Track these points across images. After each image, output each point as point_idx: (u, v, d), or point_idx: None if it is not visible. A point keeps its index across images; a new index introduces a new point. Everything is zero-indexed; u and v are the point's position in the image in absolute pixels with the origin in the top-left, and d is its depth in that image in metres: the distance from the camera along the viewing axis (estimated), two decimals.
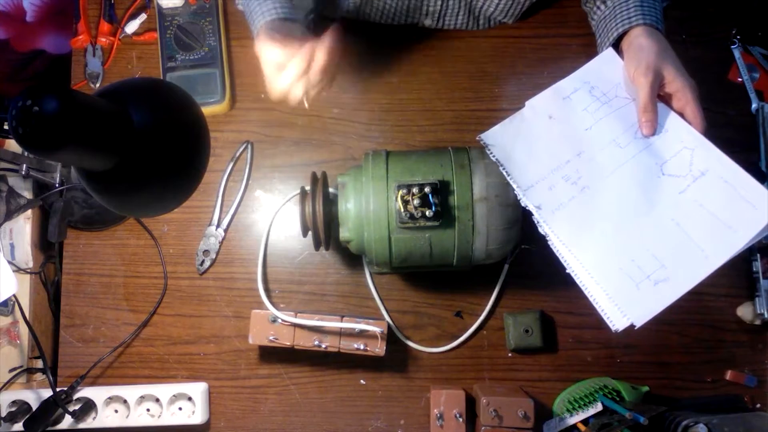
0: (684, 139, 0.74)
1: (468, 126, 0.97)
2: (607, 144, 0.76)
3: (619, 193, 0.74)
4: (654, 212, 0.72)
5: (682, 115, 0.76)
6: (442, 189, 0.75)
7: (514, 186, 0.75)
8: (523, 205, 0.75)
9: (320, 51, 0.72)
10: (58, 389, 0.86)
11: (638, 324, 0.68)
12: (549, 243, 0.73)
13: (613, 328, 0.68)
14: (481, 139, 0.79)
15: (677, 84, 0.75)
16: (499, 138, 0.78)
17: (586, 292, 0.71)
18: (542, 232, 0.73)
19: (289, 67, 0.73)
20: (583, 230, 0.73)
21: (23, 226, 0.96)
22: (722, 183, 0.72)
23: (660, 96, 0.76)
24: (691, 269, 0.69)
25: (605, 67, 0.80)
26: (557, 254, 0.73)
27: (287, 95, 0.75)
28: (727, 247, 0.69)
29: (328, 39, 0.73)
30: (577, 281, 0.71)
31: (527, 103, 0.80)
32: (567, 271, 0.72)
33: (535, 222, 0.74)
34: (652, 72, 0.74)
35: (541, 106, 0.79)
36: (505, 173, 0.75)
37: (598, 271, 0.71)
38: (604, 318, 0.69)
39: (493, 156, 0.77)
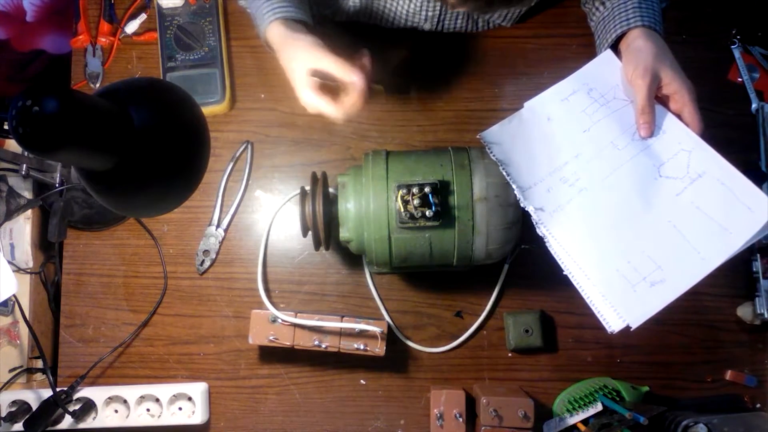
0: (681, 141, 0.74)
1: (468, 126, 0.97)
2: (605, 146, 0.76)
3: (616, 195, 0.74)
4: (651, 214, 0.72)
5: (679, 116, 0.76)
6: (442, 189, 0.75)
7: (514, 187, 0.75)
8: (522, 206, 0.75)
9: (354, 97, 0.75)
10: (58, 389, 0.86)
11: (634, 325, 0.68)
12: (546, 244, 0.73)
13: (608, 330, 0.69)
14: (482, 138, 0.79)
15: (675, 86, 0.75)
16: (499, 137, 0.78)
17: (582, 294, 0.71)
18: (540, 234, 0.73)
19: (321, 103, 0.76)
20: (580, 232, 0.73)
21: (23, 226, 0.96)
22: (719, 185, 0.72)
23: (658, 98, 0.76)
24: (687, 271, 0.69)
25: (603, 69, 0.80)
26: (554, 256, 0.73)
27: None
28: (723, 250, 0.69)
29: (360, 82, 0.75)
30: (574, 282, 0.71)
31: (525, 104, 0.80)
32: (564, 272, 0.72)
33: (534, 223, 0.74)
34: (650, 74, 0.74)
35: (539, 107, 0.80)
36: (505, 173, 0.75)
37: (594, 273, 0.71)
38: (600, 319, 0.69)
39: (494, 155, 0.77)
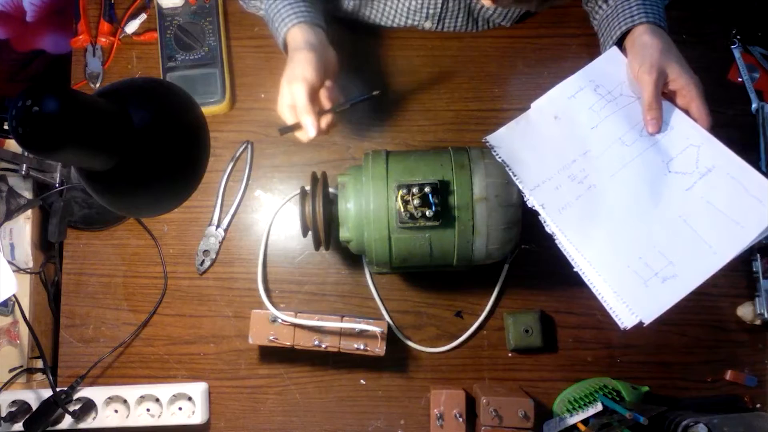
0: (690, 136, 0.74)
1: (468, 126, 0.97)
2: (613, 142, 0.76)
3: (625, 191, 0.74)
4: (661, 209, 0.72)
5: (687, 112, 0.76)
6: (442, 189, 0.75)
7: (521, 186, 0.75)
8: (529, 205, 0.75)
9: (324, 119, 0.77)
10: (58, 389, 0.86)
11: (647, 321, 0.68)
12: (556, 242, 0.73)
13: (621, 326, 0.68)
14: (487, 141, 0.79)
15: (682, 81, 0.75)
16: (505, 140, 0.78)
17: (594, 290, 0.71)
18: (549, 231, 0.73)
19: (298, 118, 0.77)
20: (590, 228, 0.72)
21: (23, 226, 0.96)
22: (729, 179, 0.72)
23: (665, 93, 0.76)
24: (699, 266, 0.69)
25: (609, 66, 0.80)
26: (564, 253, 0.73)
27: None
28: (734, 243, 0.69)
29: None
30: (585, 279, 0.71)
31: (533, 104, 0.80)
32: (574, 269, 0.72)
33: (542, 221, 0.74)
34: (656, 70, 0.74)
35: (546, 106, 0.79)
36: (511, 173, 0.75)
37: (605, 269, 0.71)
38: (613, 316, 0.69)
39: (499, 157, 0.77)
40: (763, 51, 0.98)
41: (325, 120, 0.77)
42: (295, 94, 0.75)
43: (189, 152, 0.62)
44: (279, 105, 0.79)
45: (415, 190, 0.74)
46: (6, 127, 0.82)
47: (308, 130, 0.75)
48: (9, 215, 0.91)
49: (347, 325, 0.85)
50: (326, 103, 0.78)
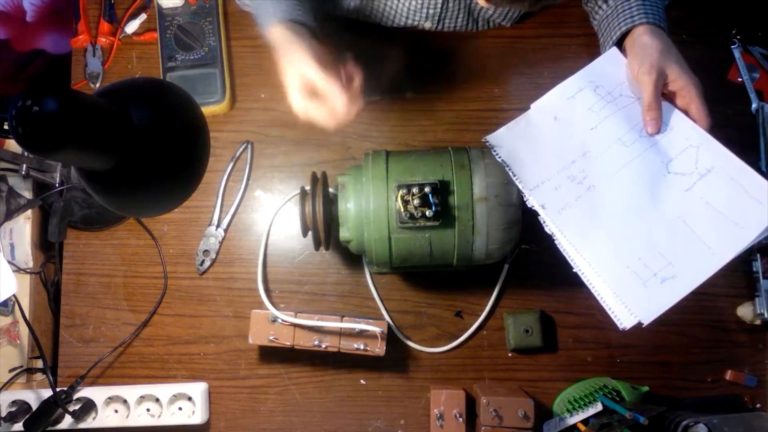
0: (689, 136, 0.75)
1: (468, 126, 0.97)
2: (613, 143, 0.76)
3: (625, 191, 0.74)
4: (660, 210, 0.72)
5: (686, 113, 0.76)
6: (442, 189, 0.75)
7: (520, 186, 0.75)
8: (529, 205, 0.75)
9: (347, 99, 0.73)
10: (58, 389, 0.86)
11: (646, 322, 0.68)
12: (555, 242, 0.73)
13: (620, 327, 0.68)
14: (487, 141, 0.79)
15: (681, 82, 0.75)
16: (505, 140, 0.78)
17: (593, 291, 0.71)
18: (548, 232, 0.73)
19: (315, 108, 0.74)
20: (589, 229, 0.73)
21: (23, 226, 0.96)
22: (728, 180, 0.72)
23: (664, 94, 0.76)
24: (698, 266, 0.69)
25: (609, 66, 0.80)
26: (564, 253, 0.73)
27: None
28: (733, 244, 0.69)
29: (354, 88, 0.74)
30: (584, 280, 0.71)
31: (533, 105, 0.80)
32: (574, 270, 0.72)
33: (542, 221, 0.74)
34: (656, 70, 0.74)
35: (546, 107, 0.79)
36: (511, 174, 0.75)
37: (605, 270, 0.71)
38: (612, 316, 0.69)
39: (499, 157, 0.77)
40: (763, 51, 0.98)
41: (356, 81, 0.74)
42: (304, 70, 0.72)
43: (189, 152, 0.62)
44: (290, 95, 0.75)
45: (415, 190, 0.74)
46: (6, 127, 0.83)
47: (336, 102, 0.71)
48: (9, 215, 0.91)
49: (347, 325, 0.85)
50: (356, 76, 0.75)
